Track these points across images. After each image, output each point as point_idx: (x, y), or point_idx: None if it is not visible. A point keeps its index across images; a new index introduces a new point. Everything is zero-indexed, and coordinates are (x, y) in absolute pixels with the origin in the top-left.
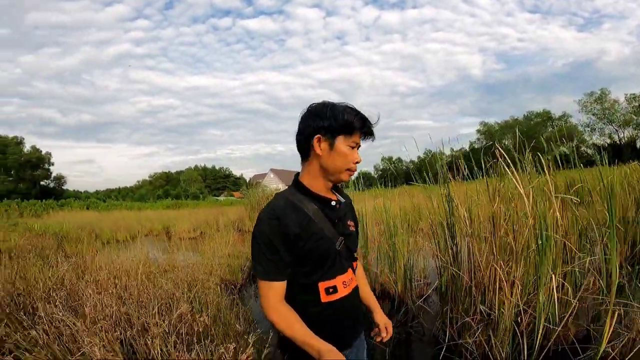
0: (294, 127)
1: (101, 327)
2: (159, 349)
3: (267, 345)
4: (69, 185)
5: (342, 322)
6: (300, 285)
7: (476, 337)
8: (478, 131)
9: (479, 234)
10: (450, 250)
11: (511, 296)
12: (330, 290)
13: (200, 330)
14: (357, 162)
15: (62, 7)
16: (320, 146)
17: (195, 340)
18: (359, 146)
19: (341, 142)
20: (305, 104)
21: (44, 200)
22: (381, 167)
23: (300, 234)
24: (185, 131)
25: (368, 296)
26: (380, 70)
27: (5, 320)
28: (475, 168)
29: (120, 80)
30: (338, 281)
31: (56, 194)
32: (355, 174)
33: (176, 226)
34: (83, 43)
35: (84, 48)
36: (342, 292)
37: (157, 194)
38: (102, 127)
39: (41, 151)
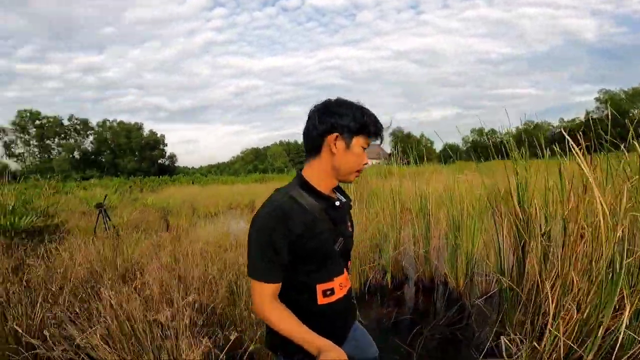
0: (370, 100)
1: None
2: None
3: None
4: (179, 163)
5: (335, 322)
6: (297, 285)
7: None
8: (597, 99)
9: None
10: (519, 249)
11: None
12: (328, 292)
13: None
14: (365, 164)
15: (149, 2)
16: (336, 145)
17: None
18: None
19: (357, 143)
20: (382, 76)
21: (160, 177)
22: (471, 139)
23: (303, 234)
24: (268, 109)
25: None
26: (464, 38)
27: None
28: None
29: (210, 67)
30: (335, 283)
31: (170, 171)
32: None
33: (260, 199)
34: (175, 35)
35: (178, 39)
36: (339, 294)
37: (247, 168)
38: (201, 110)
39: (157, 134)
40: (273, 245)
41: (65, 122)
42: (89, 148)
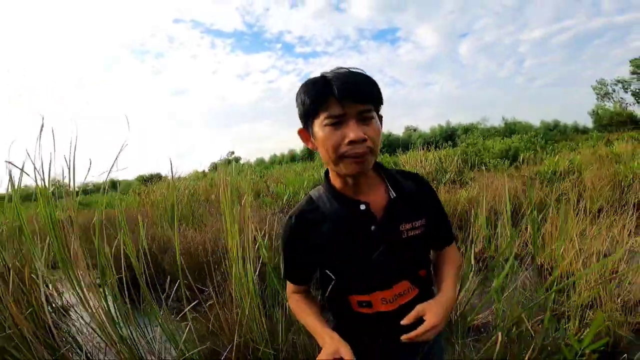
0: None
1: None
2: None
3: None
4: None
5: (376, 338)
6: (331, 292)
7: None
8: None
9: None
10: None
11: None
12: (364, 304)
13: None
14: (352, 140)
15: None
16: (306, 140)
17: None
18: (362, 116)
19: (316, 127)
20: None
21: None
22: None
23: (316, 243)
24: None
25: (441, 280)
26: None
27: None
28: None
29: None
30: (374, 297)
31: None
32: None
33: None
34: None
35: None
36: (381, 308)
37: None
38: None
39: None
40: (290, 255)
41: None
42: None
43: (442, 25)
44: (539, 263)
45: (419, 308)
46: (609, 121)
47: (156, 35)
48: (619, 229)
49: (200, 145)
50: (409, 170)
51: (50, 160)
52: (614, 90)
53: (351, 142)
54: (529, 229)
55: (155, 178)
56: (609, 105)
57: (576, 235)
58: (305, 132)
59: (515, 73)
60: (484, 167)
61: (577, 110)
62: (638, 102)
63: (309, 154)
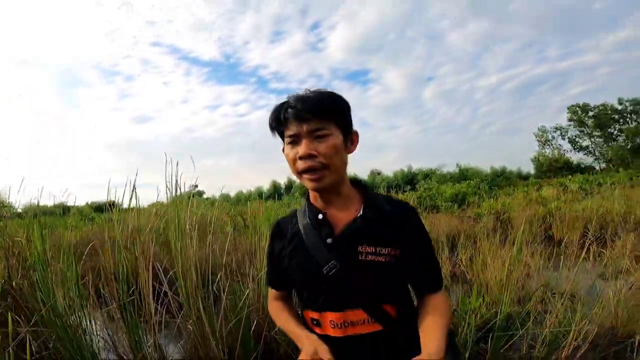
0: None
1: None
2: None
3: None
4: None
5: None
6: (299, 305)
7: None
8: None
9: None
10: None
11: None
12: (314, 321)
13: None
14: (301, 156)
15: None
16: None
17: None
18: (314, 134)
19: (285, 145)
20: None
21: None
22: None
23: (282, 249)
24: None
25: (424, 332)
26: None
27: None
28: None
29: None
30: (324, 317)
31: None
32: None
33: None
34: None
35: None
36: (330, 332)
37: None
38: None
39: None
40: (269, 259)
41: (618, 106)
42: None
43: (409, 70)
44: (469, 277)
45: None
46: (548, 167)
47: (131, 57)
48: (537, 255)
49: (160, 176)
50: (400, 199)
51: None
52: (553, 137)
53: (301, 158)
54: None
55: (110, 206)
56: (549, 152)
57: (502, 262)
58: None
59: (471, 119)
60: (436, 210)
61: (523, 157)
62: (574, 149)
63: (275, 192)
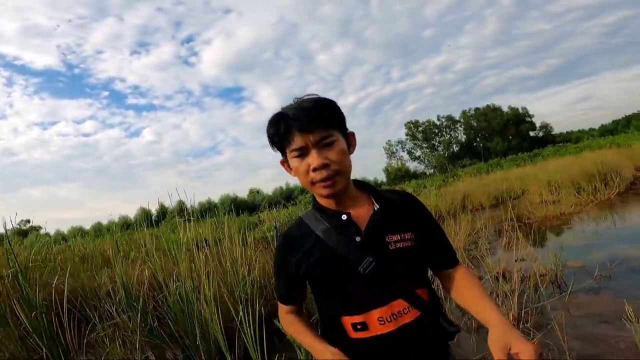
0: None
1: None
2: None
3: None
4: (570, 127)
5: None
6: (325, 317)
7: None
8: None
9: None
10: None
11: None
12: (358, 327)
13: None
14: (315, 168)
15: None
16: (287, 170)
17: None
18: (322, 143)
19: (289, 159)
20: None
21: (528, 152)
22: None
23: (301, 260)
24: None
25: (479, 305)
26: None
27: None
28: None
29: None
30: (370, 317)
31: (546, 142)
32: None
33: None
34: None
35: None
36: (379, 329)
37: None
38: (572, 65)
39: (517, 109)
40: (278, 269)
41: (437, 122)
42: (462, 139)
43: (281, 89)
44: None
45: (502, 342)
46: (394, 176)
47: None
48: None
49: None
50: (398, 189)
51: None
52: (397, 150)
53: (315, 170)
54: None
55: None
56: (394, 162)
57: None
58: (285, 163)
59: None
60: None
61: (376, 167)
62: (411, 159)
63: (147, 219)
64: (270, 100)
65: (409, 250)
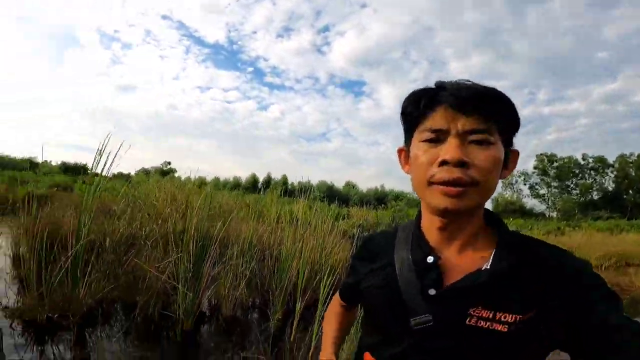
0: None
1: None
2: None
3: None
4: None
5: None
6: (360, 342)
7: None
8: None
9: None
10: None
11: None
12: None
13: None
14: (445, 161)
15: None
16: (403, 161)
17: None
18: (472, 136)
19: (413, 143)
20: None
21: None
22: None
23: (368, 275)
24: None
25: None
26: None
27: None
28: None
29: None
30: None
31: None
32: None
33: None
34: None
35: None
36: None
37: None
38: None
39: None
40: (350, 275)
41: (581, 161)
42: (609, 187)
43: (403, 90)
44: None
45: None
46: (503, 208)
47: (135, 26)
48: None
49: (129, 146)
50: (555, 245)
51: None
52: (517, 181)
53: (444, 163)
54: None
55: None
56: (508, 194)
57: None
58: (405, 152)
59: None
60: None
61: None
62: (532, 195)
63: (254, 185)
64: (389, 99)
65: (499, 335)
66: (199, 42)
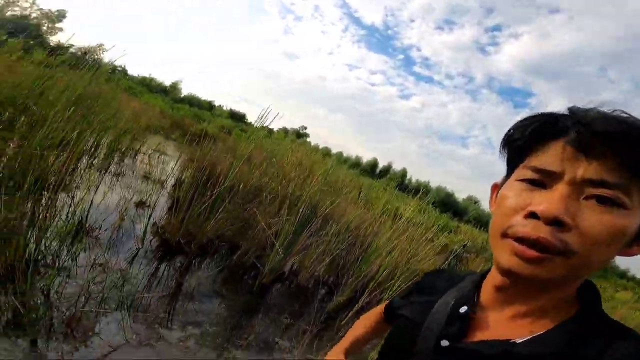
0: None
1: None
2: None
3: None
4: None
5: None
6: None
7: None
8: None
9: None
10: None
11: None
12: None
13: None
14: (533, 213)
15: None
16: (491, 197)
17: None
18: (593, 190)
19: (511, 180)
20: None
21: None
22: None
23: (406, 305)
24: None
25: None
26: None
27: None
28: None
29: None
30: None
31: None
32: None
33: None
34: None
35: None
36: None
37: None
38: None
39: None
40: (402, 295)
41: None
42: None
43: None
44: None
45: None
46: None
47: (307, 1)
48: None
49: (274, 106)
50: None
51: None
52: None
53: (532, 215)
54: None
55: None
56: None
57: None
58: (498, 188)
59: None
60: None
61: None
62: None
63: (372, 169)
64: None
65: None
66: (357, 22)
